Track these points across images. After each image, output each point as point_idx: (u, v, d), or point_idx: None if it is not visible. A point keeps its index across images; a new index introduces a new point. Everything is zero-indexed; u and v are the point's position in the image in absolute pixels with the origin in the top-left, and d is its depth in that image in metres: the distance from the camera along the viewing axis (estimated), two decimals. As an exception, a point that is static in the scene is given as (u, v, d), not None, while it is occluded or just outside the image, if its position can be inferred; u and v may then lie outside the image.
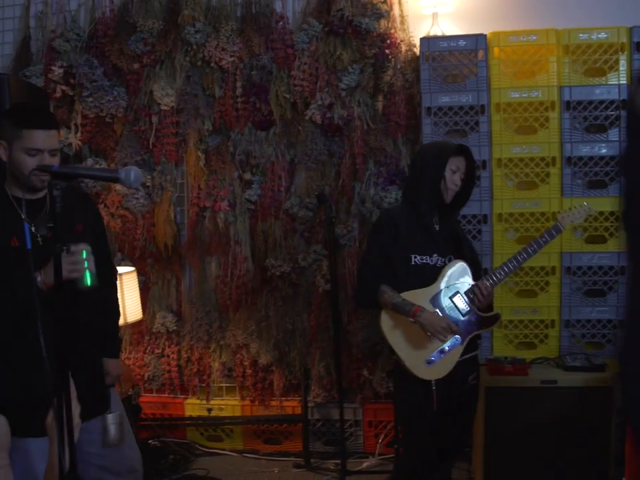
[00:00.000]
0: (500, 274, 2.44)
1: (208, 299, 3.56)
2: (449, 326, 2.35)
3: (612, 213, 3.05)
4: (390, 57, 3.33)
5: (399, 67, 3.33)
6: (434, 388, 2.36)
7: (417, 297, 2.40)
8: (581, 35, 3.06)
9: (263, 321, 3.50)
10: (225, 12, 3.48)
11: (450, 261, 2.46)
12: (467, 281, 2.45)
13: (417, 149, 3.26)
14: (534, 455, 2.77)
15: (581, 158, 3.06)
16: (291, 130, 3.45)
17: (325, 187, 3.41)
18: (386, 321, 2.42)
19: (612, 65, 3.05)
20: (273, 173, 3.46)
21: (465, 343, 2.43)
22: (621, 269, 3.06)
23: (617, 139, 3.04)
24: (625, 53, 3.03)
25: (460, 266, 2.45)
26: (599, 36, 3.05)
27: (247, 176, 3.48)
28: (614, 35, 3.04)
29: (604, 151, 3.05)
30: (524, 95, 3.07)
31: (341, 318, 3.33)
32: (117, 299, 2.42)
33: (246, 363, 3.54)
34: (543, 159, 3.06)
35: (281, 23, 3.44)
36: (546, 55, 3.07)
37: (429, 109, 3.12)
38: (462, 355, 2.43)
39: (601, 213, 3.05)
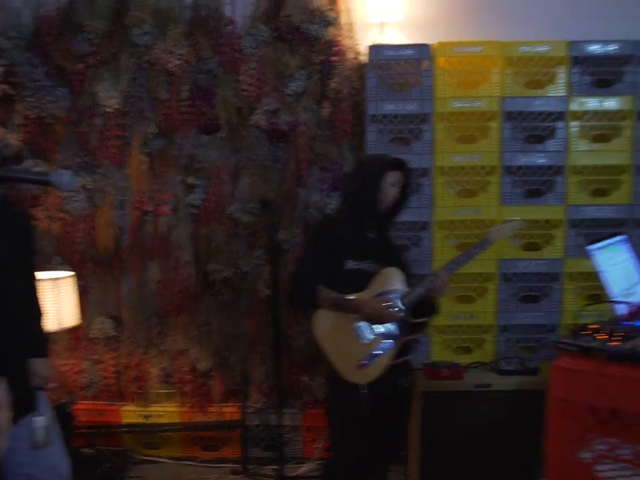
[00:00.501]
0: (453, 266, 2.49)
1: (148, 304, 3.50)
2: (394, 305, 2.36)
3: (547, 221, 3.11)
4: (337, 64, 3.35)
5: (345, 74, 3.35)
6: (364, 391, 2.34)
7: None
8: (522, 47, 3.13)
9: (204, 326, 3.46)
10: (173, 14, 3.44)
11: (384, 267, 2.46)
12: (399, 287, 2.45)
13: (360, 157, 3.28)
14: (469, 458, 2.80)
15: (519, 167, 3.12)
16: (236, 135, 3.43)
17: (269, 192, 3.40)
18: (319, 323, 2.41)
19: (551, 78, 3.13)
20: (217, 177, 3.43)
21: (397, 347, 2.42)
22: (555, 276, 3.12)
23: (554, 149, 3.11)
24: (564, 66, 3.11)
25: (394, 272, 2.46)
26: (540, 49, 3.13)
27: (191, 180, 3.44)
28: (554, 48, 3.12)
29: (542, 160, 3.11)
30: (467, 105, 3.12)
31: (282, 323, 3.30)
32: (38, 299, 2.34)
33: (185, 369, 3.48)
34: (483, 167, 3.11)
35: (229, 27, 3.43)
36: (489, 66, 3.13)
37: (374, 116, 3.14)
38: (394, 358, 2.42)
39: (537, 221, 3.11)
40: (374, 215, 2.49)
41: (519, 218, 2.65)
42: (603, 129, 3.13)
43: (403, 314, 2.40)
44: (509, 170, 3.12)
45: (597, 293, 2.98)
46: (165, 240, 3.44)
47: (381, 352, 2.38)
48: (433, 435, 2.81)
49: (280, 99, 3.36)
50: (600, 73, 3.13)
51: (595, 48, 3.12)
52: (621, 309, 2.14)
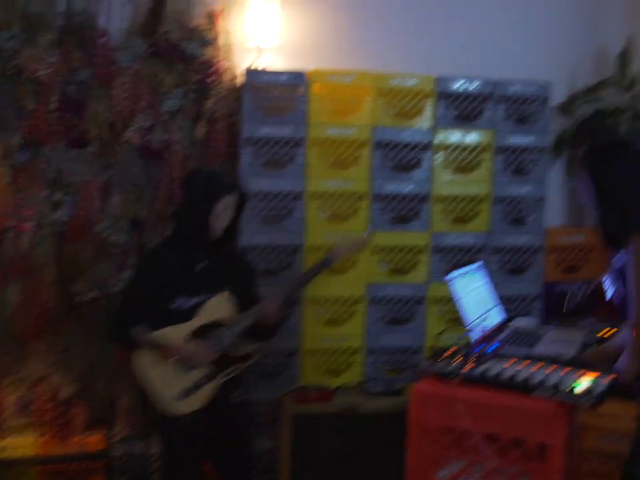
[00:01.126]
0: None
1: (6, 327, 3.29)
2: (210, 352, 2.37)
3: (413, 247, 3.25)
4: (214, 84, 3.32)
5: (222, 95, 3.34)
6: (193, 419, 2.35)
7: (174, 333, 2.39)
8: (394, 80, 3.27)
9: (67, 350, 3.30)
10: (44, 20, 3.29)
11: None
12: (225, 319, 2.45)
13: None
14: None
15: (387, 194, 3.24)
16: (108, 150, 3.31)
17: (141, 211, 3.31)
18: (139, 359, 2.39)
19: (419, 110, 3.28)
20: (85, 193, 3.29)
21: (220, 378, 2.42)
22: (420, 299, 3.27)
23: (420, 178, 3.27)
24: (431, 100, 3.28)
25: (220, 303, 2.45)
26: (409, 82, 3.28)
27: (58, 196, 3.29)
28: (422, 82, 3.29)
29: (408, 188, 3.26)
30: (340, 132, 3.21)
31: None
32: None
33: (46, 397, 3.30)
34: (353, 193, 3.21)
35: (104, 39, 3.31)
36: (362, 96, 3.24)
37: (248, 138, 3.16)
38: (221, 377, 2.43)
39: (404, 247, 3.24)
40: (205, 243, 2.44)
41: (366, 233, 2.77)
42: (464, 161, 3.33)
43: (221, 350, 2.40)
44: (378, 197, 3.23)
45: (457, 317, 3.15)
46: (26, 258, 3.26)
47: (205, 381, 2.39)
48: (303, 458, 2.84)
49: (155, 116, 3.29)
50: (463, 108, 3.33)
51: (459, 85, 3.31)
52: (475, 334, 2.27)
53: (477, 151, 3.34)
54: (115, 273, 3.30)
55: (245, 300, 2.51)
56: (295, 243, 3.16)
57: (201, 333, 2.41)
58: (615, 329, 2.24)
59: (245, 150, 3.15)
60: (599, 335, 2.33)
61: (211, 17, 3.39)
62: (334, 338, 3.20)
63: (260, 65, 3.40)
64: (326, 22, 3.56)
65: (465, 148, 3.33)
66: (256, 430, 2.91)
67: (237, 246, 2.71)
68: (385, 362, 3.27)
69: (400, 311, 3.27)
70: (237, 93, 3.33)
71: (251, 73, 3.20)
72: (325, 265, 2.59)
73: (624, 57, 3.64)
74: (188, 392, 2.37)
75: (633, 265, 1.75)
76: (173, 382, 2.37)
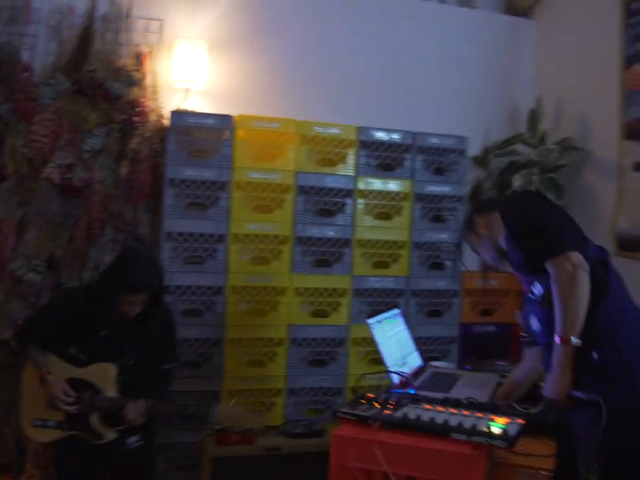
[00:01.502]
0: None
1: None
2: (70, 404, 2.44)
3: (335, 290, 3.31)
4: (138, 124, 3.32)
5: (146, 135, 3.33)
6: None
7: (59, 369, 2.50)
8: (317, 128, 3.35)
9: (-27, 393, 3.14)
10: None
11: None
12: (100, 386, 2.49)
13: (157, 219, 3.28)
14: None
15: (310, 238, 3.30)
16: (25, 187, 3.23)
17: (57, 250, 3.22)
18: (28, 371, 2.54)
19: (342, 158, 3.38)
20: (0, 230, 3.19)
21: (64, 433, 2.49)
22: (341, 341, 3.31)
23: (343, 223, 3.35)
24: (353, 148, 3.39)
25: (105, 370, 2.50)
26: (332, 131, 3.38)
27: (-31, 232, 3.17)
28: (345, 131, 3.39)
29: (331, 233, 3.33)
30: (263, 176, 3.25)
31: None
32: None
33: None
34: (276, 236, 3.25)
35: (26, 73, 3.26)
36: (286, 142, 3.30)
37: (172, 180, 3.14)
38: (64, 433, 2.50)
39: (326, 289, 3.30)
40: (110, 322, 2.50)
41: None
42: (385, 208, 3.44)
43: (77, 411, 2.45)
44: (300, 240, 3.29)
45: (378, 358, 3.21)
46: None
47: (53, 424, 2.49)
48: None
49: (75, 154, 3.23)
50: (384, 158, 3.45)
51: (380, 135, 3.44)
52: (395, 378, 2.33)
53: (397, 199, 3.46)
54: (27, 313, 3.18)
55: (149, 372, 2.54)
56: (218, 284, 3.15)
57: (77, 384, 2.47)
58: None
59: (168, 191, 3.14)
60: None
61: (138, 58, 3.40)
62: (255, 379, 3.19)
63: (186, 107, 3.43)
64: (253, 68, 3.65)
65: (385, 195, 3.44)
66: (176, 473, 2.85)
67: (164, 315, 2.68)
68: (307, 403, 3.28)
69: (321, 352, 3.30)
70: (162, 134, 3.34)
71: (177, 115, 3.20)
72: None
73: (533, 115, 3.88)
74: (38, 424, 2.49)
75: (557, 284, 1.87)
76: (38, 407, 2.48)
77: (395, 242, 3.45)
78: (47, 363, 2.48)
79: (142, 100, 3.36)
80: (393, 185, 3.45)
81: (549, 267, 1.90)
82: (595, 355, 1.87)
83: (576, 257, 1.87)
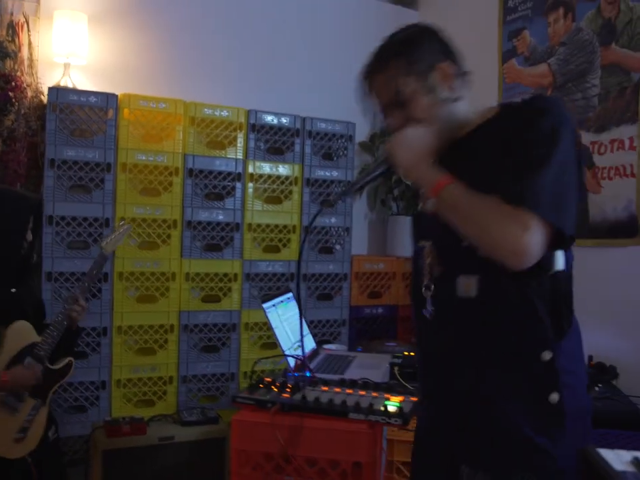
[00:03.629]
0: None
1: None
2: (36, 369, 2.29)
3: (225, 275, 3.29)
4: (13, 100, 3.11)
5: (22, 112, 3.13)
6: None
7: None
8: (206, 109, 3.29)
9: None
10: None
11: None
12: (35, 340, 2.37)
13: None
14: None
15: (200, 222, 3.25)
16: None
17: None
18: None
19: (231, 141, 3.34)
20: None
21: (48, 401, 2.37)
22: (233, 326, 3.31)
23: (232, 207, 3.33)
24: (243, 131, 3.36)
25: (23, 326, 2.35)
26: (222, 113, 3.33)
27: None
28: (234, 114, 3.35)
29: (221, 217, 3.30)
30: (150, 159, 3.16)
31: None
32: None
33: None
34: (165, 220, 3.17)
35: None
36: (173, 123, 3.22)
37: (52, 160, 2.97)
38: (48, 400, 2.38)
39: (216, 274, 3.27)
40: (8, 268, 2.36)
41: (122, 222, 2.74)
42: (275, 192, 3.45)
43: (44, 364, 2.34)
44: (190, 224, 3.23)
45: (271, 342, 3.24)
46: None
47: (34, 413, 2.32)
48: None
49: None
50: (274, 142, 3.46)
51: (270, 118, 3.44)
52: (291, 361, 2.36)
53: (286, 183, 3.47)
54: None
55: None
56: (104, 270, 3.03)
57: (16, 360, 2.30)
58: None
59: (48, 173, 2.97)
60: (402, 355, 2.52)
61: (13, 28, 3.18)
62: (146, 367, 3.12)
63: (67, 83, 3.25)
64: (138, 45, 3.51)
65: (275, 179, 3.45)
66: (66, 470, 2.74)
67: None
68: (199, 390, 3.25)
69: (213, 338, 3.28)
70: (40, 112, 3.15)
71: (57, 91, 3.03)
72: (99, 264, 2.55)
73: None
74: (25, 430, 2.27)
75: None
76: (3, 424, 2.24)
77: (285, 226, 3.47)
78: None
79: (17, 74, 3.14)
80: (282, 169, 3.47)
81: (510, 216, 1.22)
82: (555, 396, 1.31)
83: (546, 238, 1.23)
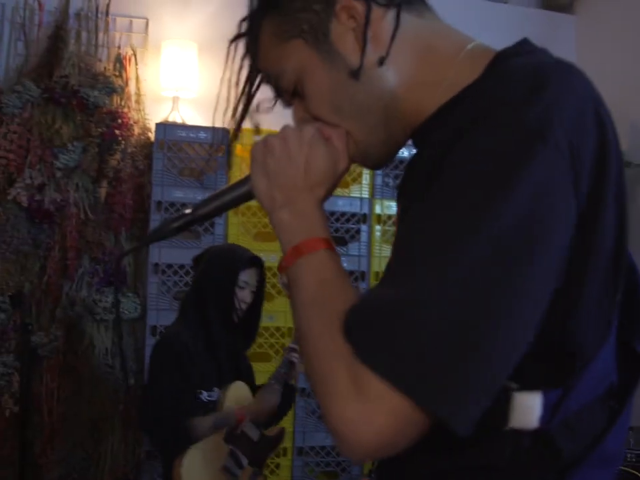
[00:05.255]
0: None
1: None
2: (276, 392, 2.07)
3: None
4: (120, 138, 2.95)
5: (129, 151, 2.97)
6: None
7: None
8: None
9: None
10: None
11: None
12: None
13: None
14: None
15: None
16: (-11, 210, 2.85)
17: (25, 284, 2.85)
18: (191, 463, 1.94)
19: (355, 177, 3.03)
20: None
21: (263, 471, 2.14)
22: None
23: (357, 253, 2.99)
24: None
25: (238, 387, 2.12)
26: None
27: None
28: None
29: (344, 264, 2.90)
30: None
31: (32, 449, 2.70)
32: None
33: None
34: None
35: (-12, 79, 2.92)
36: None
37: (159, 203, 2.81)
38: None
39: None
40: (225, 326, 2.15)
41: None
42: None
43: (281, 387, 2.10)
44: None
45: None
46: None
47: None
48: None
49: (47, 173, 2.89)
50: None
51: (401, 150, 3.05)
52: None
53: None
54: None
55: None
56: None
57: None
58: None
59: (154, 216, 2.80)
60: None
61: (119, 62, 3.07)
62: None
63: (176, 118, 3.04)
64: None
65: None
66: None
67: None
68: (317, 464, 2.90)
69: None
70: (147, 150, 2.99)
71: (164, 127, 2.88)
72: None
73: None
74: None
75: None
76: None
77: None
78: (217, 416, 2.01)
79: (124, 110, 3.00)
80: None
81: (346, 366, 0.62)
82: None
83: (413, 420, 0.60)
